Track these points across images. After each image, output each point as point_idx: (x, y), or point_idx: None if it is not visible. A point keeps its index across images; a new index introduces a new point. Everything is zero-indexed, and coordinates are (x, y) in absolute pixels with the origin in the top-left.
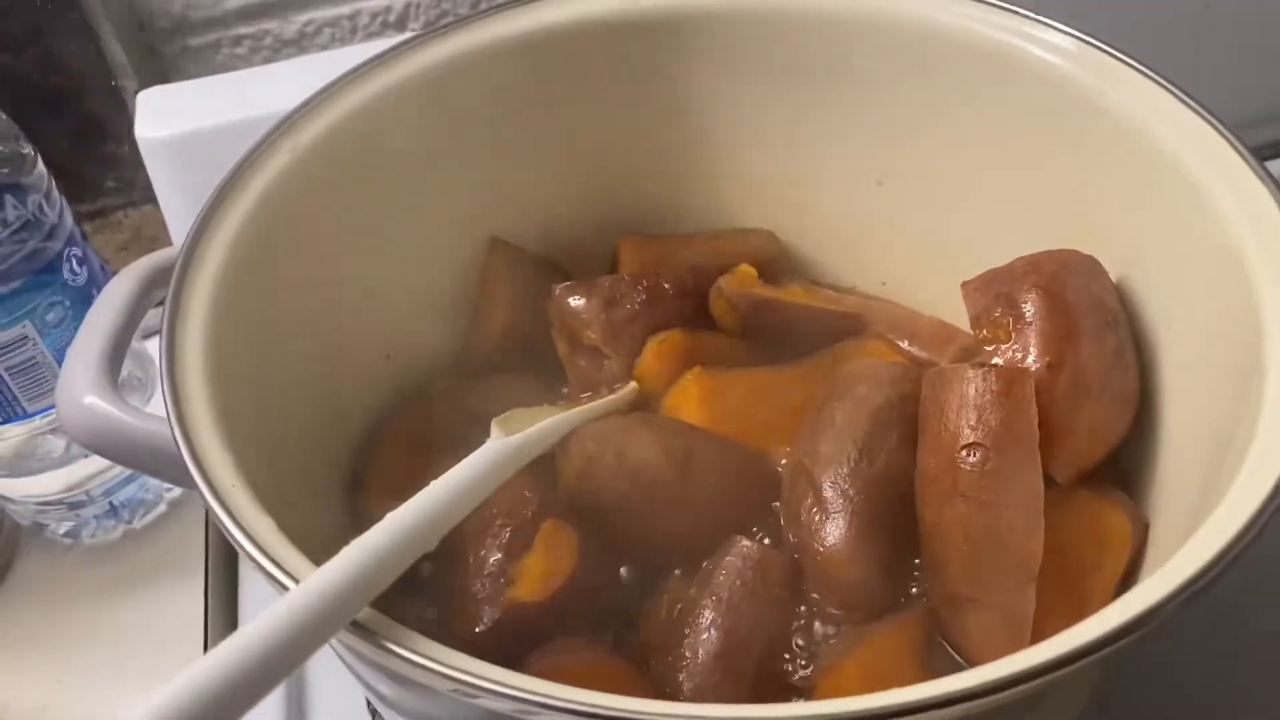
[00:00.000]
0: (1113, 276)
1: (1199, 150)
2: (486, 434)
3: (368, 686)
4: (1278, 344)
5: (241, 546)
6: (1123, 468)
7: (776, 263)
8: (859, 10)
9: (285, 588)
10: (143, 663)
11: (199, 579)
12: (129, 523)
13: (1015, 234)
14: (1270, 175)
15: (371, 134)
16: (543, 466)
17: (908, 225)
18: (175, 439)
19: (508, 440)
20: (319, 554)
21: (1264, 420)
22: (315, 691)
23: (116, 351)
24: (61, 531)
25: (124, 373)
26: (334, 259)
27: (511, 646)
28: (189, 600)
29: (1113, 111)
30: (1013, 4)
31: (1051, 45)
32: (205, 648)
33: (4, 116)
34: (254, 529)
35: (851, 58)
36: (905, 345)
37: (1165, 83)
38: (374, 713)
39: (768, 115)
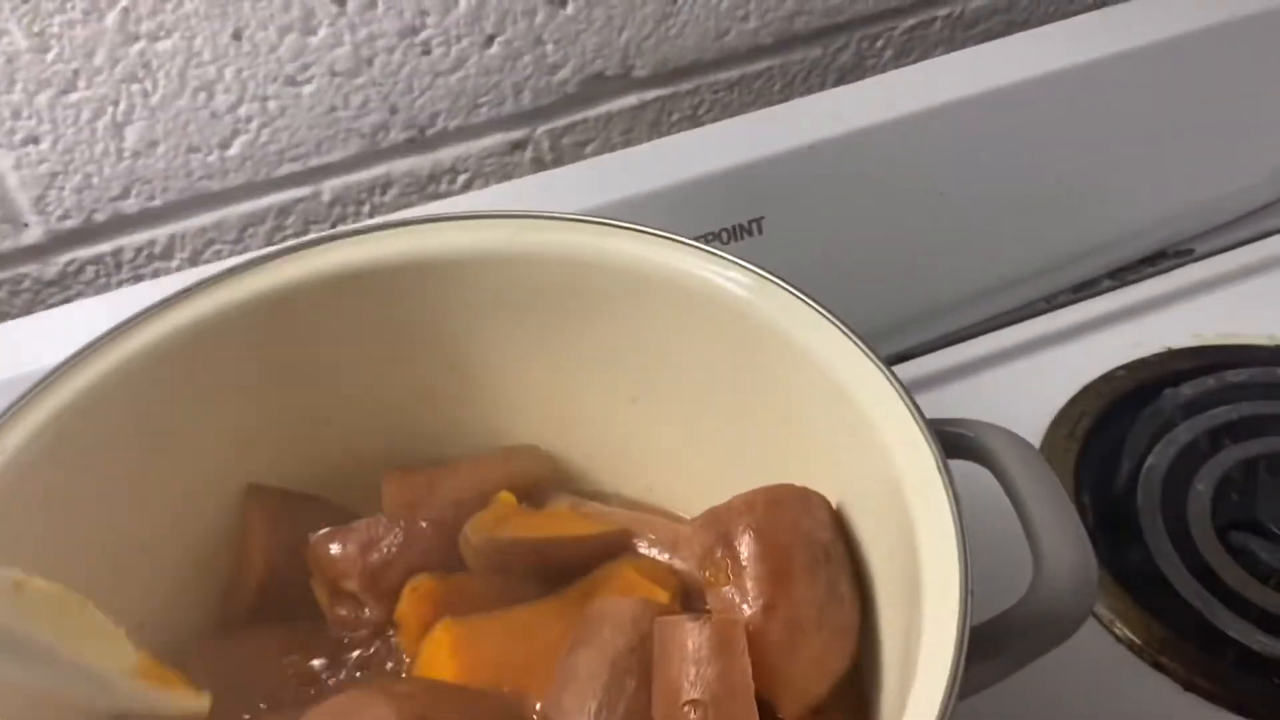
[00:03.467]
0: (832, 502)
1: (862, 380)
2: (250, 699)
3: None
4: (931, 590)
5: None
6: (856, 693)
7: (542, 479)
8: (589, 253)
9: None
10: None
11: None
12: None
13: (751, 455)
14: (916, 405)
15: (122, 396)
16: None
17: (663, 438)
18: None
19: None
20: None
21: (920, 669)
22: None
23: None
24: None
25: None
26: (68, 545)
27: None
28: None
29: (792, 342)
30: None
31: (738, 281)
32: None
33: None
34: None
35: (584, 292)
36: (667, 559)
37: (828, 315)
38: None
39: (524, 343)
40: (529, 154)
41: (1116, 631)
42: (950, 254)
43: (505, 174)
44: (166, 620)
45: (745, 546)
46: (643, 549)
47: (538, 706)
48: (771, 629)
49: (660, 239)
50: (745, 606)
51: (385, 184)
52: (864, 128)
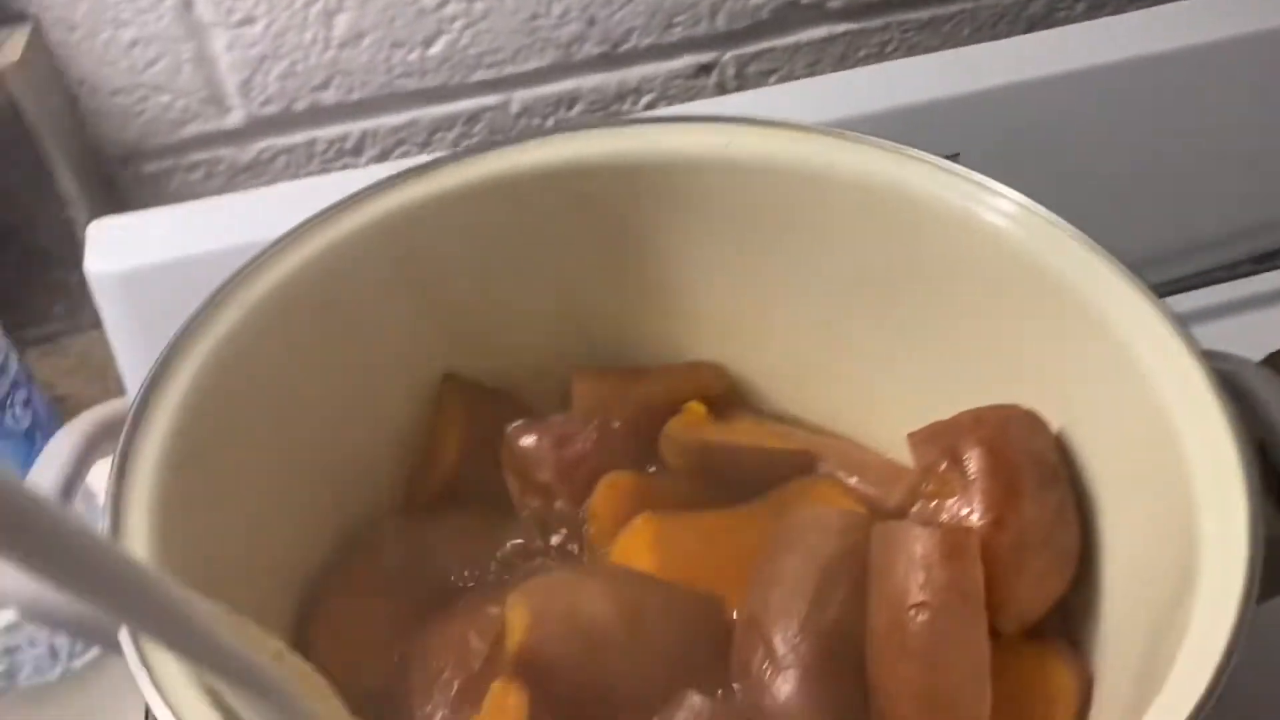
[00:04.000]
0: (1054, 429)
1: (1126, 311)
2: (434, 575)
3: None
4: (1210, 515)
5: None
6: (1067, 620)
7: (726, 396)
8: (816, 165)
9: None
10: None
11: None
12: (67, 664)
13: (959, 383)
14: (1192, 336)
15: (325, 284)
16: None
17: (856, 365)
18: None
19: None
20: None
21: (1198, 604)
22: None
23: None
24: None
25: None
26: (285, 413)
27: None
28: None
29: (1048, 272)
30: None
31: (998, 209)
32: None
33: None
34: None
35: (807, 209)
36: (854, 483)
37: (1096, 247)
38: None
39: (722, 256)
40: (714, 79)
41: None
42: (1134, 212)
43: (689, 97)
44: (358, 498)
45: (975, 460)
46: (827, 470)
47: (734, 611)
48: (999, 543)
49: (913, 158)
50: (974, 519)
51: (572, 99)
52: (1060, 74)
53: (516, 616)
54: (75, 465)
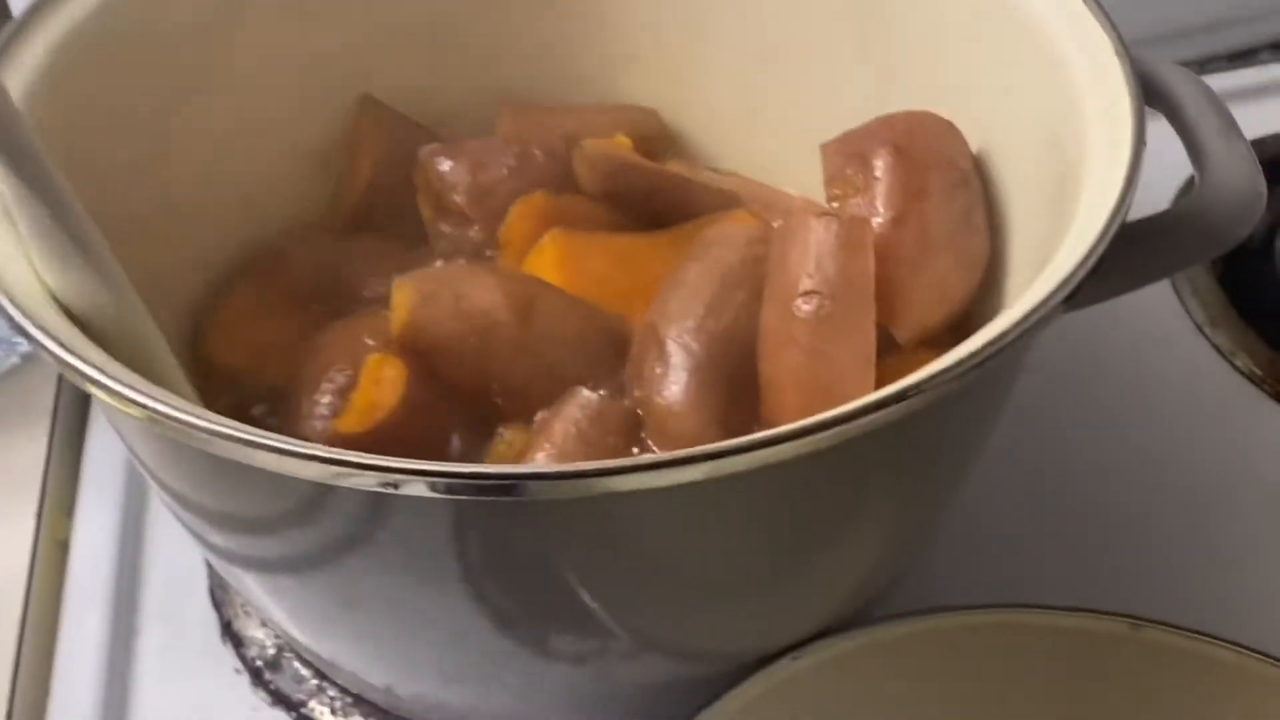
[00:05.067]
0: (973, 145)
1: (1060, 14)
2: (342, 290)
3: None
4: (1087, 198)
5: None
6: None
7: (658, 141)
8: None
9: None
10: None
11: (45, 424)
12: None
13: (881, 107)
14: (1109, 19)
15: None
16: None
17: (789, 106)
18: None
19: None
20: None
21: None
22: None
23: None
24: None
25: None
26: (179, 95)
27: None
28: (32, 452)
29: None
30: None
31: None
32: (43, 490)
33: None
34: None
35: None
36: (777, 225)
37: None
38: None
39: None
40: None
41: (1238, 363)
42: None
43: None
44: (269, 206)
45: (881, 161)
46: (752, 210)
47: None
48: (900, 241)
49: None
50: (875, 218)
51: None
52: None
53: (403, 296)
54: None
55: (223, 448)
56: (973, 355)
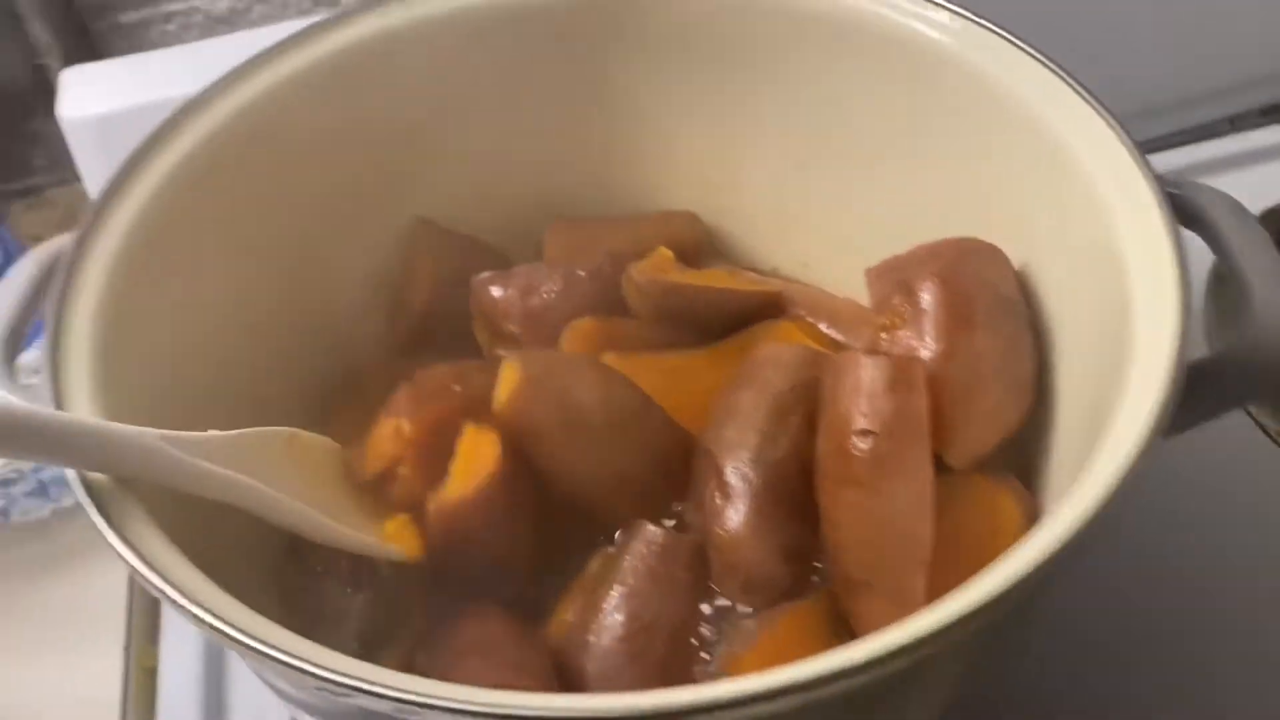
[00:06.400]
0: (1015, 265)
1: (1084, 136)
2: None
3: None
4: (1144, 338)
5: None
6: (1022, 455)
7: (699, 246)
8: None
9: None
10: (67, 641)
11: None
12: (57, 501)
13: (926, 219)
14: (1150, 167)
15: (286, 115)
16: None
17: (829, 209)
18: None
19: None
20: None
21: (1124, 406)
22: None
23: (13, 337)
24: None
25: None
26: (246, 240)
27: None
28: (114, 579)
29: (999, 92)
30: None
31: (938, 23)
32: (129, 622)
33: None
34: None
35: (761, 41)
36: (824, 328)
37: (1050, 64)
38: None
39: (688, 97)
40: None
41: None
42: (1131, 58)
43: None
44: (344, 338)
45: (928, 291)
46: (796, 314)
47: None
48: (949, 374)
49: None
50: (924, 350)
51: None
52: None
53: (510, 374)
54: (33, 289)
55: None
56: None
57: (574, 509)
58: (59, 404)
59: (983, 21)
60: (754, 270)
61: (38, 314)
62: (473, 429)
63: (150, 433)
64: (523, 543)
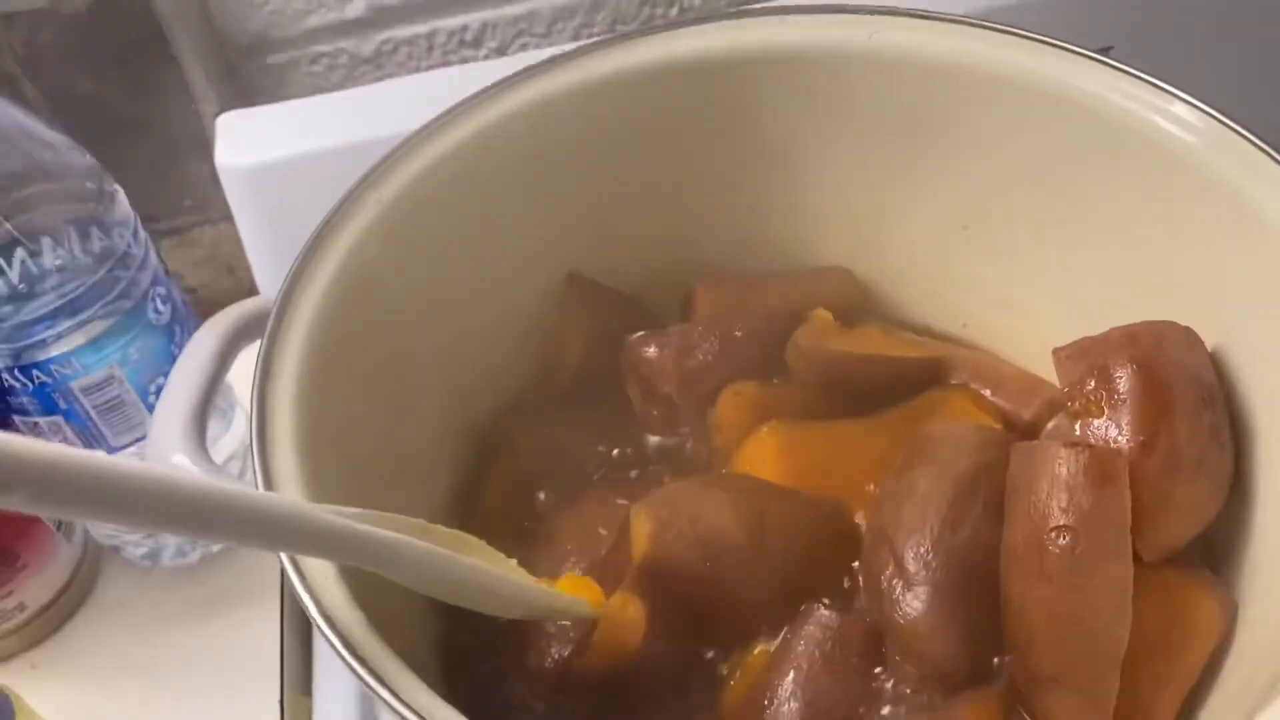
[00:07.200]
0: (1209, 349)
1: None
2: (570, 468)
3: None
4: None
5: (324, 633)
6: (1213, 546)
7: (853, 304)
8: (957, 61)
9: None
10: (219, 687)
11: (275, 604)
12: (207, 547)
13: (1105, 293)
14: None
15: (456, 182)
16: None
17: (992, 271)
18: None
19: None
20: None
21: None
22: None
23: (202, 406)
24: (139, 554)
25: None
26: (418, 305)
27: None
28: (265, 625)
29: (1231, 189)
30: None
31: (1174, 116)
32: (281, 673)
33: (89, 157)
34: (338, 618)
35: (953, 106)
36: (989, 395)
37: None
38: None
39: (855, 157)
40: None
41: None
42: None
43: None
44: (484, 394)
45: (1126, 379)
46: (960, 381)
47: (858, 519)
48: (1149, 466)
49: (1085, 58)
50: (1123, 440)
51: None
52: None
53: (640, 526)
54: (217, 361)
55: None
56: None
57: (734, 621)
58: (269, 488)
59: (1230, 122)
60: (906, 327)
61: (222, 380)
62: (619, 597)
63: (345, 511)
64: (674, 669)
